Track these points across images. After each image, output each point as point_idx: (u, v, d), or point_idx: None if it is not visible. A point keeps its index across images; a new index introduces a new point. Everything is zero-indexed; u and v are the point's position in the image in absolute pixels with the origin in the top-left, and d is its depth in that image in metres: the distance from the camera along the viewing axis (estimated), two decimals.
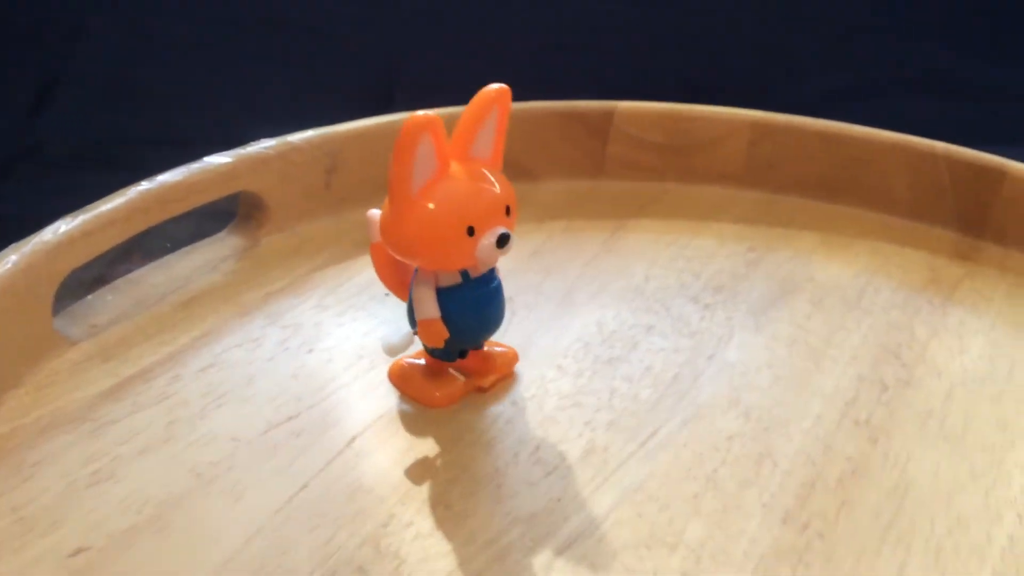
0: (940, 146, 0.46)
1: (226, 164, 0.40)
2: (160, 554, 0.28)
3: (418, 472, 0.31)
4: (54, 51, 0.61)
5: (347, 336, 0.37)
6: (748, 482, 0.32)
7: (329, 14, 0.66)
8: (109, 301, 0.38)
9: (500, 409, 0.34)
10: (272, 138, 0.42)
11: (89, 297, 0.38)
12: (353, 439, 0.32)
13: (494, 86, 0.31)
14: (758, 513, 0.31)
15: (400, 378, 0.35)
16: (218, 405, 0.33)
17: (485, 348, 0.35)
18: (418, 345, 0.33)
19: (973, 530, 0.31)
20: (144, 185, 0.38)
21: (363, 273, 0.41)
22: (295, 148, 0.42)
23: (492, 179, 0.31)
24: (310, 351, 0.36)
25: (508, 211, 0.31)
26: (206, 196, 0.39)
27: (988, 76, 0.69)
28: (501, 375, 0.35)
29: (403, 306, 0.34)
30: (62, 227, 0.35)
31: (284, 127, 0.43)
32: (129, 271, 0.39)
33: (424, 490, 0.31)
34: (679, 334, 0.39)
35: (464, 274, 0.32)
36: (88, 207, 0.36)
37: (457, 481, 0.31)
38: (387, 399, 0.34)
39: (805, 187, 0.48)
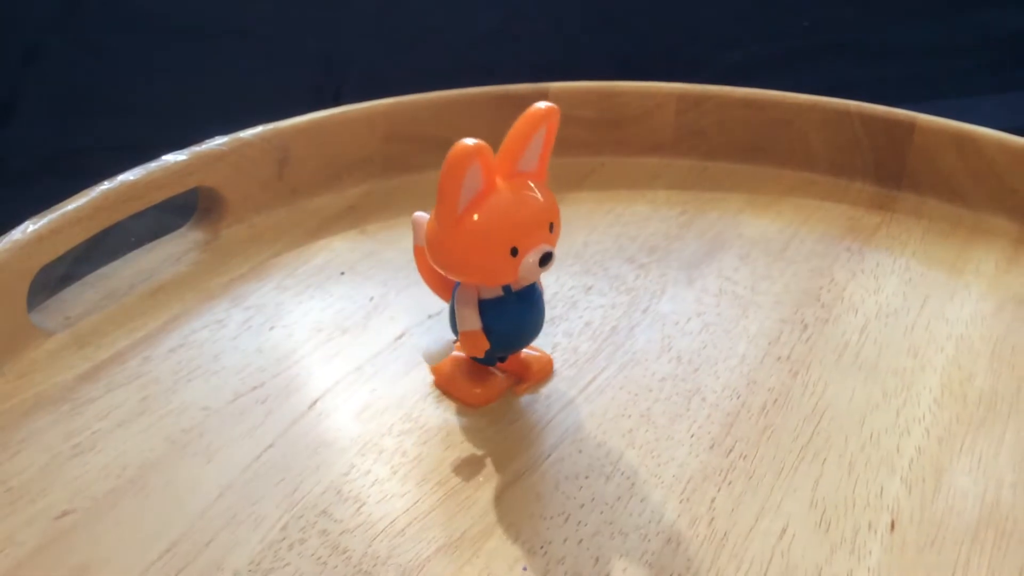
0: (853, 104, 0.49)
1: (182, 161, 0.42)
2: (140, 511, 0.30)
3: (375, 427, 0.34)
4: (11, 70, 0.64)
5: (306, 312, 0.40)
6: (679, 416, 0.35)
7: (273, 18, 0.69)
8: (81, 295, 0.40)
9: None
10: (224, 135, 0.44)
11: (62, 293, 0.40)
12: (315, 402, 0.35)
13: (542, 104, 0.31)
14: (687, 442, 0.34)
15: (442, 375, 0.36)
16: (188, 380, 0.36)
17: (522, 353, 0.36)
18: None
19: (884, 444, 0.34)
20: (105, 185, 0.40)
21: (319, 255, 0.44)
22: (247, 143, 0.45)
23: (537, 196, 0.31)
24: (272, 328, 0.39)
25: (552, 227, 0.31)
26: (164, 192, 0.42)
27: (895, 36, 0.73)
28: (536, 381, 0.36)
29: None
30: (30, 227, 0.37)
31: (238, 127, 0.46)
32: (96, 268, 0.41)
33: (381, 442, 0.33)
34: (616, 292, 0.42)
35: (506, 288, 0.32)
36: (54, 207, 0.39)
37: (411, 432, 0.34)
38: (345, 366, 0.37)
39: (732, 152, 0.52)
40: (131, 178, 0.41)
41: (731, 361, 0.38)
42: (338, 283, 0.42)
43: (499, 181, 0.30)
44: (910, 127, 0.48)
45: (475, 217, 0.30)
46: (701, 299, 0.41)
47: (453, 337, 0.34)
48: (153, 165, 0.42)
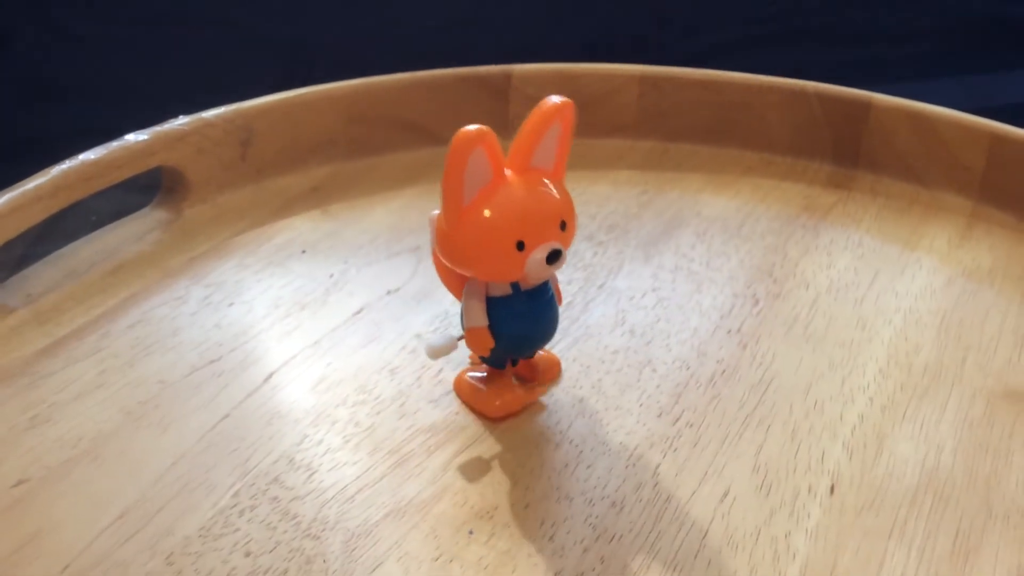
0: (811, 85, 0.50)
1: (143, 141, 0.43)
2: (94, 479, 0.31)
3: (330, 399, 0.35)
4: None
5: (266, 289, 0.40)
6: (629, 387, 0.35)
7: (244, 4, 0.69)
8: (43, 273, 0.41)
9: (404, 341, 0.37)
10: (187, 115, 0.45)
11: (24, 271, 0.41)
12: (271, 375, 0.36)
13: (555, 98, 0.30)
14: (636, 411, 0.34)
15: (461, 387, 0.35)
16: (146, 355, 0.36)
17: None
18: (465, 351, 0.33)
19: (828, 412, 0.34)
20: (66, 164, 0.41)
21: (282, 234, 0.44)
22: (209, 123, 0.45)
23: (548, 192, 0.30)
24: (231, 304, 0.39)
25: (564, 225, 0.30)
26: (125, 172, 0.42)
27: (860, 21, 0.74)
28: (545, 382, 0.35)
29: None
30: None
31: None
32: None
33: (335, 413, 0.34)
34: (573, 268, 0.42)
35: (514, 285, 0.31)
36: (14, 186, 0.39)
37: (365, 403, 0.34)
38: (302, 340, 0.38)
39: (693, 133, 0.52)
40: (92, 157, 0.41)
41: (683, 334, 0.38)
42: (299, 261, 0.42)
43: (510, 174, 0.30)
44: (866, 106, 0.49)
45: (480, 207, 0.29)
46: (657, 275, 0.42)
47: (457, 333, 0.33)
48: (114, 144, 0.42)
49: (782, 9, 0.72)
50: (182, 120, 0.45)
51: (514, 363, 0.34)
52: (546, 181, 0.30)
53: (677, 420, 0.34)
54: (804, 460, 0.32)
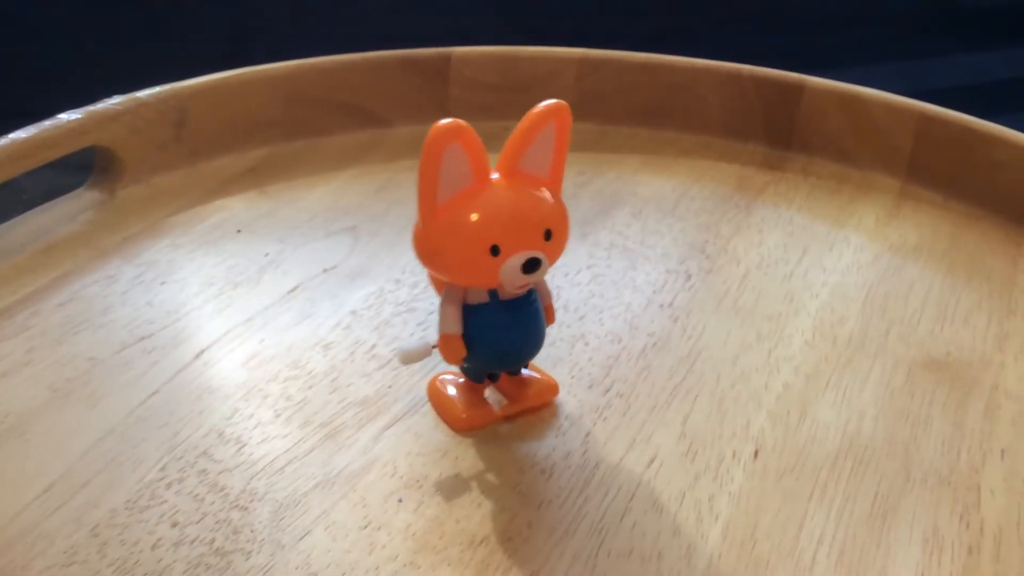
0: (745, 68, 0.51)
1: (76, 120, 0.42)
2: (20, 455, 0.31)
3: (261, 375, 0.35)
4: None
5: (199, 268, 0.40)
6: (560, 360, 0.36)
7: None
8: None
9: (338, 317, 0.38)
10: (120, 95, 0.44)
11: None
12: (202, 352, 0.36)
13: (550, 101, 0.28)
14: (567, 383, 0.35)
15: (434, 393, 0.33)
16: (75, 333, 0.36)
17: (523, 372, 0.33)
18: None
19: (753, 382, 0.35)
20: None
21: (216, 214, 0.44)
22: (143, 103, 0.45)
23: (534, 198, 0.28)
24: (163, 283, 0.39)
25: (549, 235, 0.28)
26: (57, 152, 0.42)
27: (801, 8, 0.75)
28: (530, 407, 0.33)
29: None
30: None
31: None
32: None
33: (266, 388, 0.34)
34: None
35: (492, 293, 0.30)
36: None
37: (297, 379, 0.34)
38: (235, 318, 0.37)
39: (631, 116, 0.53)
40: (23, 136, 0.41)
41: (616, 309, 0.39)
42: (234, 240, 0.42)
43: (497, 177, 0.28)
44: (799, 89, 0.50)
45: (455, 206, 0.27)
46: (592, 253, 0.42)
47: (433, 339, 0.31)
48: (46, 123, 0.42)
49: None
50: (116, 99, 0.44)
51: (492, 378, 0.33)
52: (536, 187, 0.29)
53: (608, 391, 0.34)
54: (729, 427, 0.33)
